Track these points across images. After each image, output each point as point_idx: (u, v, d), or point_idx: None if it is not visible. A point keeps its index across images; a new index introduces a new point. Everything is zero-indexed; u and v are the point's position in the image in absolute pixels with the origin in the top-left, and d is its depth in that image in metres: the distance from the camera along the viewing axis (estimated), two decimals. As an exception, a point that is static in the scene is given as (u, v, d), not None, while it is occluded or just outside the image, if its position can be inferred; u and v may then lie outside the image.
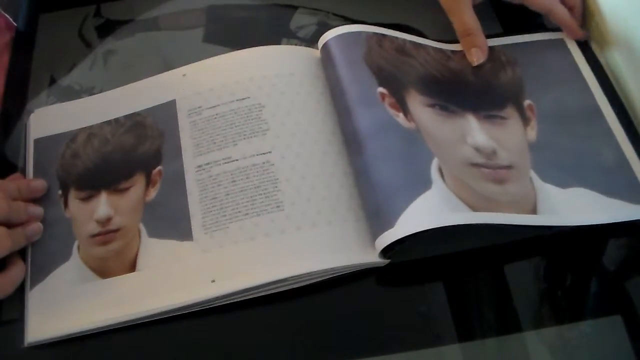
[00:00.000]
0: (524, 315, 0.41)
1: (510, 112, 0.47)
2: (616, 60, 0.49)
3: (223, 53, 0.51)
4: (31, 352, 0.42)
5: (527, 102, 0.48)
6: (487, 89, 0.48)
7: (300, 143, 0.46)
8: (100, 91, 0.52)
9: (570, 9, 0.50)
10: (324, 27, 0.50)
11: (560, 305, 0.42)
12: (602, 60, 0.51)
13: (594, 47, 0.51)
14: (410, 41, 0.50)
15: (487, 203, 0.42)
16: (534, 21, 0.53)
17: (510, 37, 0.52)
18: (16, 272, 0.42)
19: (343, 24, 0.50)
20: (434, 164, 0.43)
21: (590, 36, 0.51)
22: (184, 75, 0.50)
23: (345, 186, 0.45)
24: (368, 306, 0.42)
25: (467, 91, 0.48)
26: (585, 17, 0.52)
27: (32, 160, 0.49)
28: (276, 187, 0.44)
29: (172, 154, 0.47)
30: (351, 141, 0.46)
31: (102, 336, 0.42)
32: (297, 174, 0.44)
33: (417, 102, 0.46)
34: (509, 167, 0.44)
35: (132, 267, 0.43)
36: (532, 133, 0.46)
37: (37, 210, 0.45)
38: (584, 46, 0.51)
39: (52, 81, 0.55)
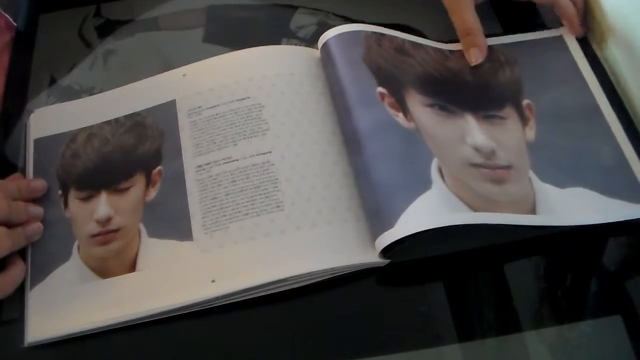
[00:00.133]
0: (524, 315, 0.41)
1: (509, 112, 0.47)
2: (616, 59, 0.49)
3: (223, 53, 0.51)
4: (31, 352, 0.42)
5: (525, 102, 0.48)
6: (486, 89, 0.48)
7: (300, 143, 0.46)
8: (100, 91, 0.52)
9: (574, 4, 0.50)
10: (324, 27, 0.50)
11: (560, 305, 0.42)
12: (601, 58, 0.50)
13: (594, 46, 0.51)
14: (409, 41, 0.50)
15: (487, 203, 0.42)
16: (534, 21, 0.53)
17: (510, 36, 0.51)
18: (16, 272, 0.42)
19: (343, 24, 0.50)
20: (434, 164, 0.43)
21: (589, 34, 0.51)
22: (184, 75, 0.50)
23: (345, 186, 0.45)
24: (368, 306, 0.42)
25: (465, 91, 0.48)
26: (586, 14, 0.51)
27: (32, 160, 0.49)
28: (276, 187, 0.44)
29: (172, 154, 0.47)
30: (351, 141, 0.46)
31: (102, 336, 0.42)
32: (297, 174, 0.44)
33: (416, 102, 0.46)
34: (507, 167, 0.44)
35: (132, 267, 0.43)
36: (530, 133, 0.46)
37: (37, 210, 0.45)
38: (583, 44, 0.51)
39: (52, 81, 0.55)
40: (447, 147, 0.44)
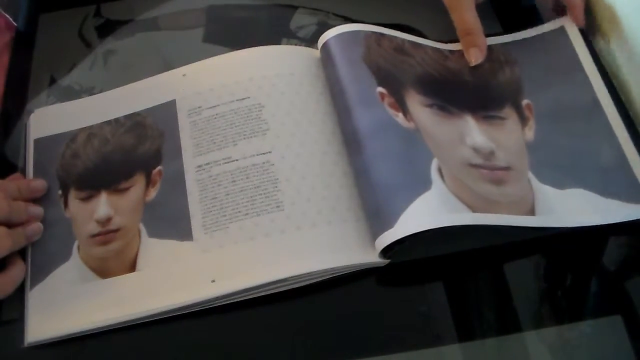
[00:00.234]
0: (524, 315, 0.41)
1: (508, 112, 0.47)
2: (616, 55, 0.49)
3: (223, 53, 0.51)
4: (31, 352, 0.42)
5: (525, 102, 0.48)
6: (485, 90, 0.48)
7: (300, 143, 0.46)
8: (100, 91, 0.52)
9: None
10: (324, 27, 0.50)
11: (560, 305, 0.42)
12: (602, 53, 0.50)
13: (595, 40, 0.51)
14: (408, 41, 0.50)
15: (486, 204, 0.42)
16: (534, 21, 0.53)
17: (510, 35, 0.51)
18: (16, 272, 0.42)
19: (343, 24, 0.50)
20: (434, 164, 0.43)
21: (590, 28, 0.51)
22: (184, 75, 0.50)
23: (345, 186, 0.45)
24: (368, 306, 0.42)
25: (465, 92, 0.48)
26: (588, 8, 0.51)
27: (32, 160, 0.49)
28: (276, 187, 0.44)
29: (172, 154, 0.47)
30: (351, 141, 0.46)
31: (102, 336, 0.42)
32: (297, 174, 0.44)
33: (416, 102, 0.46)
34: (507, 168, 0.44)
35: (132, 267, 0.43)
36: (529, 133, 0.46)
37: (37, 210, 0.45)
38: (585, 36, 0.50)
39: (52, 81, 0.55)
40: (447, 148, 0.44)
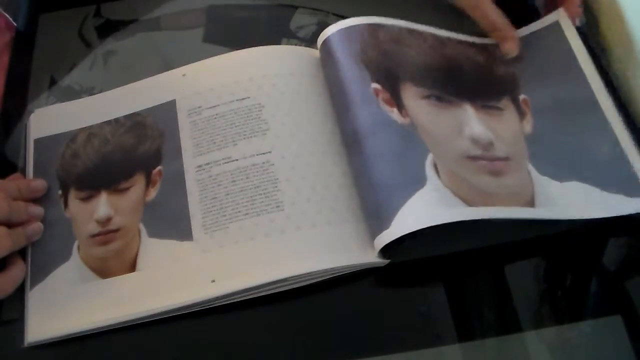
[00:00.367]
0: (524, 315, 0.41)
1: (506, 103, 0.47)
2: (616, 50, 0.49)
3: (223, 53, 0.51)
4: (31, 352, 0.42)
5: (522, 97, 0.48)
6: (484, 79, 0.48)
7: (300, 143, 0.46)
8: (100, 91, 0.52)
9: None
10: (324, 27, 0.50)
11: (560, 305, 0.42)
12: (602, 48, 0.50)
13: (594, 35, 0.51)
14: (406, 29, 0.49)
15: (484, 197, 0.42)
16: (532, 20, 0.53)
17: None
18: (16, 272, 0.42)
19: (340, 21, 0.49)
20: (429, 160, 0.42)
21: (587, 23, 0.51)
22: (184, 75, 0.50)
23: (345, 186, 0.45)
24: (368, 306, 0.42)
25: (463, 80, 0.47)
26: (587, 3, 0.51)
27: (32, 160, 0.49)
28: (276, 187, 0.44)
29: (172, 154, 0.47)
30: (349, 141, 0.46)
31: (102, 336, 0.42)
32: (297, 174, 0.44)
33: (412, 95, 0.46)
34: (505, 158, 0.44)
35: (132, 267, 0.43)
36: (528, 126, 0.46)
37: (38, 210, 0.45)
38: (581, 31, 0.50)
39: (52, 81, 0.55)
40: (444, 140, 0.44)
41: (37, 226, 0.45)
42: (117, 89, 0.51)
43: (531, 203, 0.42)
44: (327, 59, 0.49)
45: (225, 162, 0.45)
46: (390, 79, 0.46)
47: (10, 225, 0.42)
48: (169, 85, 0.50)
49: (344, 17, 0.49)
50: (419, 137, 0.44)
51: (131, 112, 0.50)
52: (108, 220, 0.45)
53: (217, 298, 0.41)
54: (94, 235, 0.45)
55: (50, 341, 0.42)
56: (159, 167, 0.47)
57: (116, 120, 0.49)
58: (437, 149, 0.43)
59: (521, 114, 0.47)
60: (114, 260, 0.44)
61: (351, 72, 0.46)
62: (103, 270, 0.43)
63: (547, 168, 0.44)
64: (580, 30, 0.50)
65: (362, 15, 0.49)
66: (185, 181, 0.45)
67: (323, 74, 0.49)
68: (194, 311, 0.42)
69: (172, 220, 0.44)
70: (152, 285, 0.42)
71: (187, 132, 0.47)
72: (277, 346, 0.41)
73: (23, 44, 0.57)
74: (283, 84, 0.48)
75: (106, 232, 0.45)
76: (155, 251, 0.44)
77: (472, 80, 0.48)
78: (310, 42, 0.54)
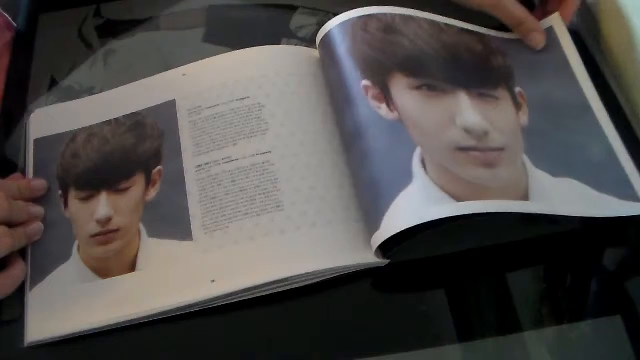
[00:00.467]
0: (524, 315, 0.41)
1: (502, 93, 0.46)
2: (618, 54, 0.49)
3: (223, 53, 0.51)
4: (31, 352, 0.42)
5: (518, 89, 0.47)
6: (480, 67, 0.47)
7: (300, 143, 0.46)
8: (100, 91, 0.52)
9: None
10: (324, 27, 0.50)
11: (560, 305, 0.42)
12: (603, 52, 0.50)
13: (595, 39, 0.51)
14: (400, 15, 0.48)
15: (475, 191, 0.40)
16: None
17: (500, 32, 0.51)
18: (17, 272, 0.42)
19: (336, 18, 0.49)
20: (416, 155, 0.41)
21: (584, 26, 0.51)
22: (184, 75, 0.51)
23: (345, 186, 0.45)
24: (368, 306, 0.42)
25: (459, 67, 0.47)
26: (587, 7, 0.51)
27: (32, 160, 0.49)
28: (276, 187, 0.44)
29: (172, 154, 0.47)
30: (346, 140, 0.45)
31: (102, 336, 0.42)
32: (296, 174, 0.44)
33: (402, 87, 0.45)
34: (501, 149, 0.43)
35: (132, 267, 0.43)
36: (524, 118, 0.46)
37: (38, 210, 0.45)
38: (576, 34, 0.50)
39: (52, 81, 0.55)
40: (434, 133, 0.43)
41: (38, 226, 0.45)
42: (117, 89, 0.51)
43: (525, 197, 0.41)
44: (325, 58, 0.48)
45: (225, 162, 0.45)
46: (379, 72, 0.45)
47: (10, 225, 0.42)
48: (169, 85, 0.50)
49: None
50: (406, 132, 0.43)
51: (131, 112, 0.50)
52: (108, 220, 0.45)
53: (217, 298, 0.41)
54: (94, 235, 0.45)
55: (50, 341, 0.42)
56: (159, 167, 0.47)
57: (116, 120, 0.49)
58: (426, 142, 0.42)
59: (517, 105, 0.46)
60: (114, 260, 0.44)
61: (345, 70, 0.46)
62: (103, 270, 0.43)
63: (542, 162, 0.43)
64: (576, 33, 0.50)
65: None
66: (185, 181, 0.45)
67: (322, 73, 0.49)
68: (194, 311, 0.42)
69: (172, 220, 0.44)
70: (152, 285, 0.42)
71: (187, 131, 0.47)
72: (277, 346, 0.41)
73: (23, 44, 0.57)
74: (283, 84, 0.48)
75: (106, 232, 0.45)
76: (155, 251, 0.44)
77: (469, 67, 0.47)
78: (310, 42, 0.54)
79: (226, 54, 0.51)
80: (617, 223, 0.42)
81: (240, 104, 0.48)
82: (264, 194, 0.44)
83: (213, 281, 0.42)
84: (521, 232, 0.43)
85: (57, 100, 0.53)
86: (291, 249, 0.42)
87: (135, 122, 0.49)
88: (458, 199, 0.39)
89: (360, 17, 0.48)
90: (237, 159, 0.45)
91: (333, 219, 0.43)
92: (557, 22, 0.50)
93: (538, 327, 0.41)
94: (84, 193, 0.46)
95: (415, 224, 0.38)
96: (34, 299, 0.43)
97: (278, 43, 0.55)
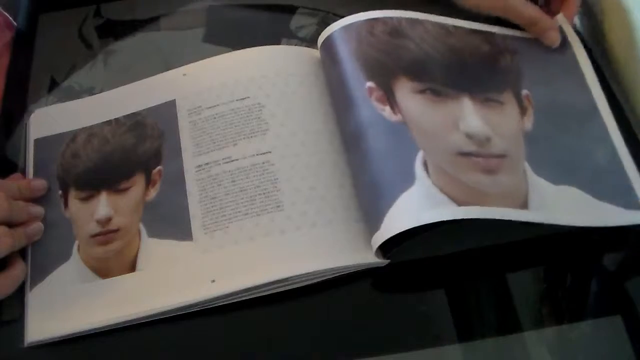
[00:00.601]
0: (524, 315, 0.41)
1: (508, 97, 0.46)
2: (621, 56, 0.49)
3: (223, 53, 0.51)
4: (31, 352, 0.42)
5: (525, 92, 0.47)
6: (486, 71, 0.47)
7: (300, 143, 0.46)
8: (100, 91, 0.52)
9: None
10: (324, 27, 0.50)
11: (560, 305, 0.42)
12: (605, 54, 0.50)
13: (598, 41, 0.51)
14: (406, 19, 0.48)
15: (475, 196, 0.41)
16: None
17: (509, 29, 0.51)
18: (17, 272, 0.42)
19: (339, 21, 0.49)
20: (419, 158, 0.42)
21: (589, 29, 0.51)
22: (184, 75, 0.50)
23: (345, 186, 0.45)
24: (368, 306, 0.42)
25: (464, 71, 0.46)
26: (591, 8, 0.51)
27: (32, 160, 0.49)
28: (276, 187, 0.44)
29: (172, 154, 0.47)
30: (347, 141, 0.45)
31: (102, 336, 0.42)
32: (297, 174, 0.44)
33: (406, 90, 0.45)
34: (502, 155, 0.43)
35: (132, 267, 0.43)
36: (528, 123, 0.45)
37: (38, 210, 0.45)
38: (582, 37, 0.50)
39: (52, 81, 0.55)
40: (436, 136, 0.43)
41: (38, 226, 0.45)
42: (117, 89, 0.51)
43: (524, 205, 0.41)
44: (327, 59, 0.48)
45: (225, 162, 0.45)
46: (384, 75, 0.46)
47: (10, 225, 0.42)
48: (169, 85, 0.50)
49: (343, 17, 0.49)
50: (409, 135, 0.43)
51: (131, 112, 0.50)
52: (108, 220, 0.45)
53: (217, 298, 0.41)
54: (94, 235, 0.45)
55: (50, 341, 0.42)
56: (158, 167, 0.47)
57: (116, 120, 0.49)
58: (429, 146, 0.42)
59: (522, 110, 0.46)
60: (114, 260, 0.44)
61: (348, 71, 0.46)
62: (103, 270, 0.43)
63: (543, 169, 0.43)
64: (577, 33, 0.50)
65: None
66: (185, 181, 0.45)
67: (323, 74, 0.49)
68: (194, 311, 0.42)
69: (172, 220, 0.44)
70: (152, 285, 0.42)
71: (187, 132, 0.47)
72: (277, 346, 0.41)
73: (23, 44, 0.57)
74: (283, 84, 0.48)
75: (106, 232, 0.45)
76: (155, 251, 0.44)
77: (475, 71, 0.47)
78: (310, 42, 0.54)
79: (226, 54, 0.51)
80: (614, 231, 0.42)
81: (241, 104, 0.48)
82: (264, 194, 0.44)
83: (213, 281, 0.42)
84: (521, 232, 0.43)
85: (57, 100, 0.53)
86: (291, 249, 0.42)
87: (135, 122, 0.49)
88: (458, 202, 0.40)
89: (367, 20, 0.48)
90: (237, 159, 0.45)
91: (333, 219, 0.43)
92: (563, 22, 0.50)
93: (538, 327, 0.41)
94: (84, 193, 0.46)
95: (415, 225, 0.38)
96: (34, 299, 0.43)
97: (278, 43, 0.55)
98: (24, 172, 0.48)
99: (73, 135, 0.49)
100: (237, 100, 0.48)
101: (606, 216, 0.42)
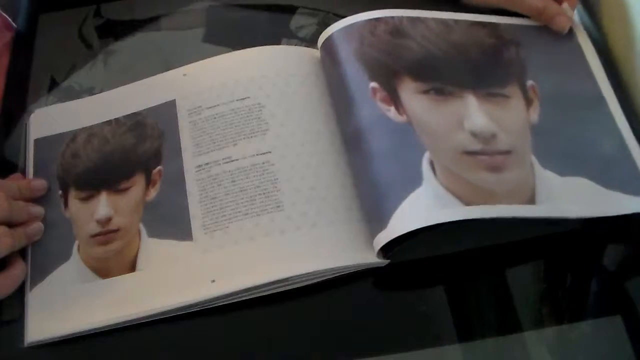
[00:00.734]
0: (524, 315, 0.41)
1: (512, 90, 0.46)
2: (614, 46, 0.49)
3: (223, 53, 0.51)
4: (31, 352, 0.42)
5: (530, 83, 0.47)
6: (490, 65, 0.47)
7: (300, 143, 0.46)
8: (100, 91, 0.52)
9: None
10: (324, 27, 0.50)
11: (560, 305, 0.42)
12: (608, 43, 0.50)
13: (601, 29, 0.51)
14: (407, 17, 0.48)
15: (482, 195, 0.41)
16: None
17: (514, 18, 0.50)
18: (17, 272, 0.42)
19: (340, 21, 0.49)
20: (425, 158, 0.42)
21: (594, 20, 0.51)
22: (184, 75, 0.51)
23: (346, 186, 0.45)
24: (368, 306, 0.42)
25: (468, 67, 0.46)
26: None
27: (32, 160, 0.49)
28: (276, 187, 0.44)
29: (172, 154, 0.47)
30: (349, 141, 0.45)
31: (102, 336, 0.42)
32: (297, 174, 0.44)
33: (410, 91, 0.45)
34: (508, 152, 0.43)
35: (132, 267, 0.43)
36: (534, 115, 0.45)
37: (38, 210, 0.45)
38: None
39: (52, 81, 0.55)
40: (441, 136, 0.43)
41: (38, 226, 0.45)
42: (117, 89, 0.51)
43: (531, 200, 0.41)
44: (328, 59, 0.48)
45: (225, 162, 0.45)
46: (387, 75, 0.46)
47: (10, 225, 0.42)
48: (169, 85, 0.50)
49: (344, 17, 0.49)
50: (415, 135, 0.43)
51: (131, 112, 0.50)
52: (108, 220, 0.45)
53: (217, 298, 0.41)
54: (94, 235, 0.45)
55: (50, 341, 0.42)
56: (159, 167, 0.47)
57: (116, 120, 0.49)
58: (434, 146, 0.42)
59: (528, 102, 0.46)
60: (114, 260, 0.44)
61: (350, 71, 0.46)
62: (103, 270, 0.43)
63: (550, 162, 0.43)
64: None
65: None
66: (185, 181, 0.45)
67: (323, 74, 0.49)
68: (194, 311, 0.42)
69: (172, 220, 0.44)
70: (152, 285, 0.42)
71: (187, 132, 0.47)
72: (277, 346, 0.41)
73: (23, 44, 0.57)
74: (283, 84, 0.48)
75: (106, 232, 0.45)
76: (155, 251, 0.44)
77: (479, 65, 0.47)
78: (310, 42, 0.54)
79: (226, 54, 0.51)
80: (620, 221, 0.42)
81: (241, 104, 0.48)
82: (264, 194, 0.44)
83: (213, 281, 0.42)
84: (521, 232, 0.43)
85: (57, 100, 0.53)
86: (291, 249, 0.42)
87: (136, 122, 0.49)
88: (466, 202, 0.40)
89: (367, 20, 0.48)
90: (237, 159, 0.45)
91: (333, 219, 0.43)
92: (567, 10, 0.50)
93: (538, 327, 0.41)
94: (84, 193, 0.46)
95: (424, 225, 0.39)
96: (34, 299, 0.43)
97: (278, 43, 0.55)
98: (24, 172, 0.48)
99: (73, 135, 0.49)
100: (237, 100, 0.48)
101: (616, 205, 0.42)
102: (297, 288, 0.42)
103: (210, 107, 0.48)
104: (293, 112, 0.47)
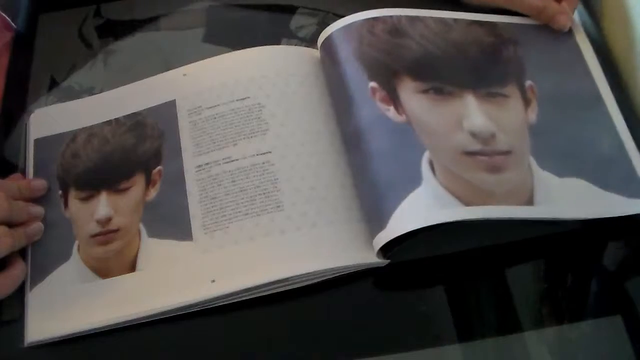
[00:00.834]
0: (524, 315, 0.41)
1: (511, 90, 0.46)
2: (614, 46, 0.49)
3: (223, 53, 0.51)
4: (31, 352, 0.42)
5: (528, 83, 0.47)
6: (489, 64, 0.47)
7: (300, 143, 0.46)
8: (100, 91, 0.52)
9: None
10: (324, 27, 0.50)
11: (560, 305, 0.42)
12: (607, 42, 0.50)
13: (600, 28, 0.51)
14: (406, 16, 0.48)
15: (481, 196, 0.41)
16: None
17: (512, 17, 0.50)
18: (17, 272, 0.42)
19: (339, 20, 0.49)
20: (425, 158, 0.42)
21: (593, 19, 0.51)
22: (184, 75, 0.50)
23: (346, 186, 0.45)
24: (368, 306, 0.42)
25: (467, 66, 0.46)
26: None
27: (32, 160, 0.49)
28: (276, 187, 0.44)
29: (172, 154, 0.47)
30: (348, 141, 0.45)
31: (102, 336, 0.42)
32: (297, 174, 0.44)
33: (409, 90, 0.45)
34: (507, 152, 0.43)
35: (132, 267, 0.43)
36: (532, 115, 0.45)
37: (38, 210, 0.45)
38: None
39: (52, 81, 0.55)
40: (441, 136, 0.43)
41: (38, 226, 0.45)
42: (117, 89, 0.51)
43: (530, 201, 0.41)
44: (327, 59, 0.48)
45: (225, 162, 0.45)
46: (387, 75, 0.46)
47: (10, 225, 0.42)
48: (169, 85, 0.50)
49: (344, 17, 0.49)
50: (415, 135, 0.43)
51: (131, 112, 0.50)
52: (108, 220, 0.45)
53: (217, 298, 0.41)
54: (94, 235, 0.45)
55: (50, 341, 0.42)
56: (159, 167, 0.47)
57: (116, 120, 0.49)
58: (434, 146, 0.42)
59: (526, 102, 0.46)
60: (114, 260, 0.44)
61: (350, 71, 0.46)
62: (103, 270, 0.43)
63: (548, 162, 0.43)
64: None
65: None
66: (185, 181, 0.45)
67: (323, 74, 0.49)
68: (194, 311, 0.42)
69: (172, 220, 0.44)
70: (152, 285, 0.42)
71: (187, 132, 0.47)
72: (277, 346, 0.41)
73: (23, 44, 0.57)
74: (283, 84, 0.48)
75: (106, 232, 0.45)
76: (155, 251, 0.44)
77: (478, 65, 0.47)
78: (310, 42, 0.54)
79: (226, 54, 0.51)
80: (619, 221, 0.42)
81: (241, 104, 0.48)
82: (264, 194, 0.44)
83: (213, 281, 0.42)
84: (521, 232, 0.43)
85: (57, 100, 0.53)
86: (291, 249, 0.42)
87: (136, 122, 0.49)
88: (465, 202, 0.40)
89: (366, 20, 0.48)
90: (237, 159, 0.45)
91: (333, 219, 0.43)
92: (567, 10, 0.50)
93: (538, 327, 0.41)
94: (84, 193, 0.46)
95: (424, 225, 0.39)
96: (34, 299, 0.43)
97: (278, 43, 0.55)
98: (24, 172, 0.48)
99: (73, 135, 0.49)
100: (237, 100, 0.48)
101: (612, 206, 0.42)
102: (297, 288, 0.42)
103: (210, 107, 0.48)
104: (293, 112, 0.47)
